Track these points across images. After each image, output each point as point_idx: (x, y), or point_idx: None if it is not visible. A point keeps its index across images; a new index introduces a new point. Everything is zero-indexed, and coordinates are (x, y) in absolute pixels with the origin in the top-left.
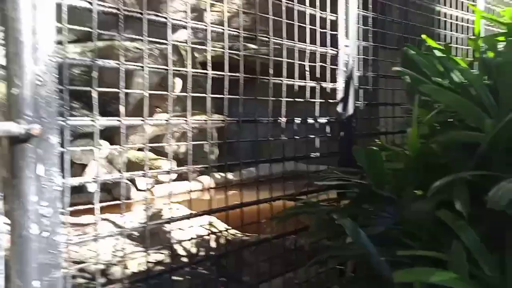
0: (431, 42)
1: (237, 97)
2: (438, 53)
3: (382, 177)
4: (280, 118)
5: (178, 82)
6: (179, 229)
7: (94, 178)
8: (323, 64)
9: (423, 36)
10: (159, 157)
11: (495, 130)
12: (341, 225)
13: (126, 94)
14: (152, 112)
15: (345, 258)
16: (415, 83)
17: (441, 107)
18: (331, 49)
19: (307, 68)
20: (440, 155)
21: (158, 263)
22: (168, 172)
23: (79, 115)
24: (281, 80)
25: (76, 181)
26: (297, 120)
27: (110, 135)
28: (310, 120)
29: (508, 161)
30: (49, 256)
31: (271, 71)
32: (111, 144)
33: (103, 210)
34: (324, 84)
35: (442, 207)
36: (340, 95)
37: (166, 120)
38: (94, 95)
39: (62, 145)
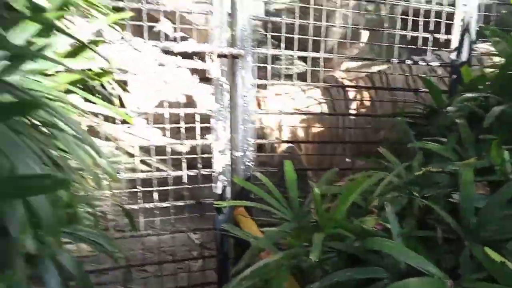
0: None
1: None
2: None
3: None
4: (393, 59)
5: (365, 33)
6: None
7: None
8: (438, 20)
9: None
10: None
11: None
12: None
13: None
14: (340, 62)
15: None
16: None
17: None
18: (449, 8)
19: (420, 23)
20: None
21: None
22: None
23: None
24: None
25: (260, 81)
26: (409, 61)
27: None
28: (422, 63)
29: None
30: (246, 115)
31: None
32: None
33: None
34: (437, 35)
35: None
36: (454, 45)
37: (369, 59)
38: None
39: (253, 63)
